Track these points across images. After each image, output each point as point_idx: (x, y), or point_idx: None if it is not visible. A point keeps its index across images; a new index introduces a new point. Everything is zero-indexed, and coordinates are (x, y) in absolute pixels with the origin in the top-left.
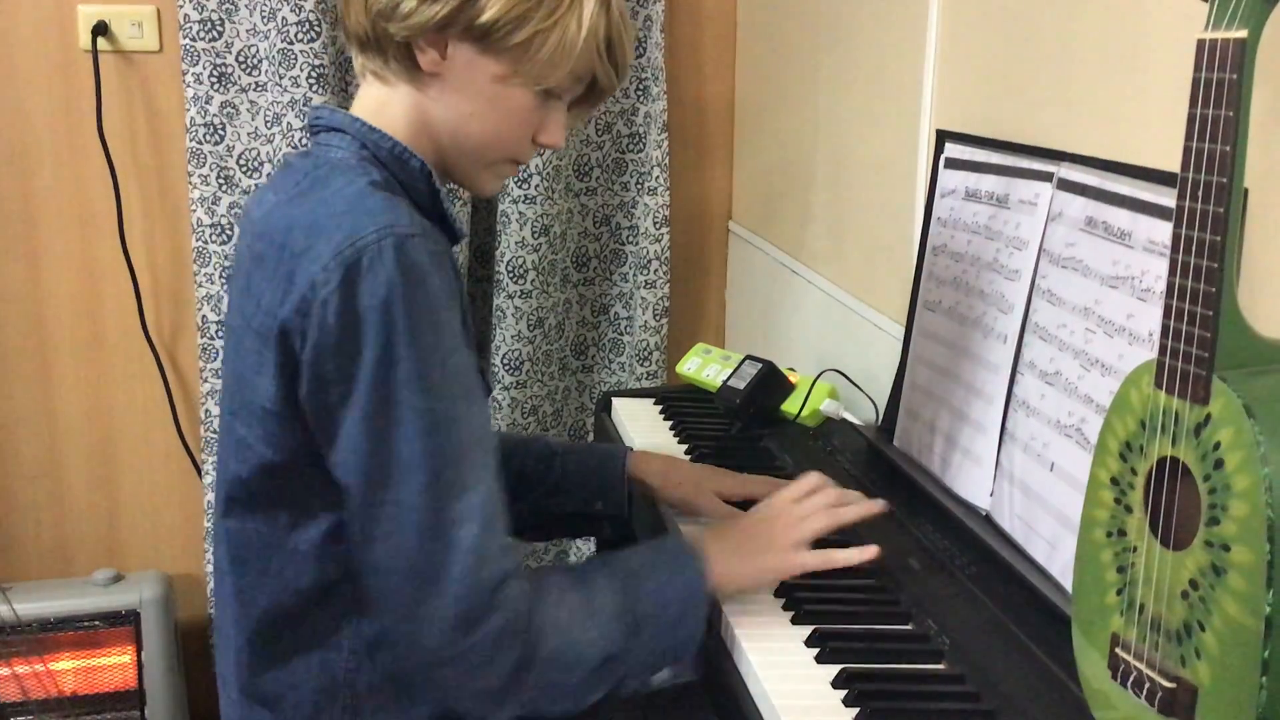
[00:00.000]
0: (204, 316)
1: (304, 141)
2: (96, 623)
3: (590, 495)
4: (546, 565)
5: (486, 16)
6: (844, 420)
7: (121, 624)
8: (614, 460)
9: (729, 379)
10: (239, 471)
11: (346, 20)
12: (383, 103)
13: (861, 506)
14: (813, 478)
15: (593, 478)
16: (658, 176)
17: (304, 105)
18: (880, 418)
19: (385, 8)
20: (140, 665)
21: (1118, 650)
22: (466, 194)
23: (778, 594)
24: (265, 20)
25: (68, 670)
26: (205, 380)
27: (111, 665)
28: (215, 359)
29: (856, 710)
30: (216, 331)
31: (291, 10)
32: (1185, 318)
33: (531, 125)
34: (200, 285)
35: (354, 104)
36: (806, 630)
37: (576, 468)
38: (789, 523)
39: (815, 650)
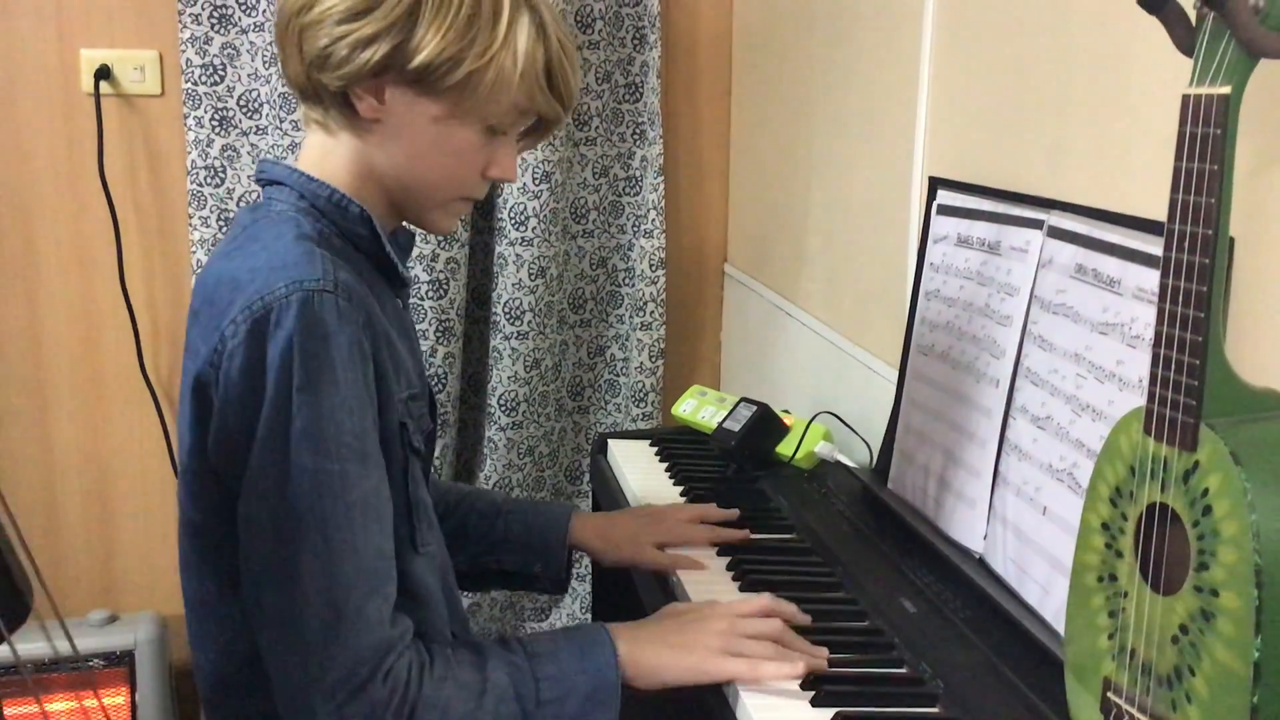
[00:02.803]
0: None
1: None
2: (91, 663)
3: (530, 557)
4: (443, 637)
5: (419, 60)
6: (838, 462)
7: (116, 665)
8: (557, 525)
9: (724, 421)
10: (180, 530)
11: (286, 71)
12: (325, 151)
13: (808, 660)
14: (765, 599)
15: (535, 540)
16: (654, 219)
17: None
18: (874, 460)
19: (317, 58)
20: (134, 706)
21: (1110, 694)
22: (465, 236)
23: None
24: (266, 65)
25: (62, 711)
26: None
27: (106, 706)
28: None
29: None
30: None
31: None
32: (1173, 366)
33: (479, 162)
34: None
35: (300, 153)
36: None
37: (520, 528)
38: (729, 629)
39: (810, 693)
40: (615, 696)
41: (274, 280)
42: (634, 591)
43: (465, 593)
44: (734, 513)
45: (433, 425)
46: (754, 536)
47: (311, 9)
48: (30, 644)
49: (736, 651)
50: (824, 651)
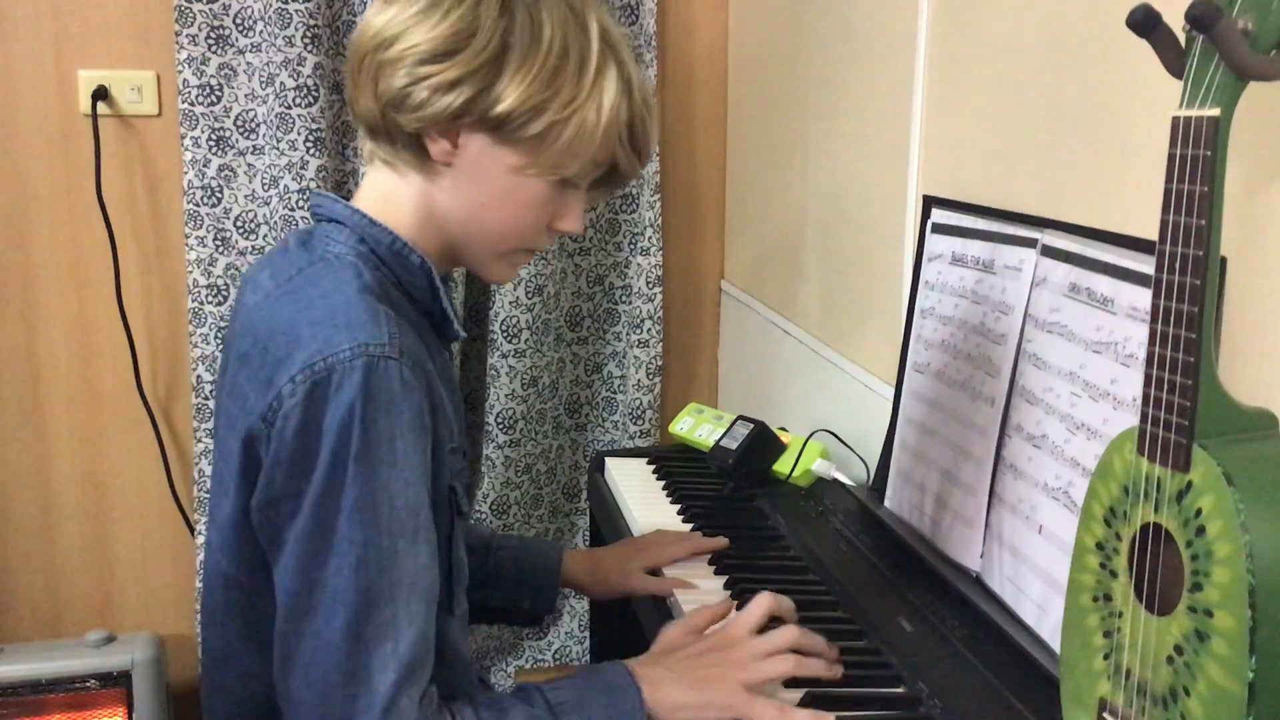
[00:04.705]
0: (199, 377)
1: (300, 204)
2: (88, 684)
3: (520, 594)
4: (464, 696)
5: (502, 107)
6: (835, 480)
7: (113, 685)
8: (549, 562)
9: (721, 439)
10: (206, 579)
11: (355, 105)
12: (389, 191)
13: (825, 665)
14: (766, 600)
15: (526, 577)
16: (650, 237)
17: (300, 168)
18: (871, 478)
19: (395, 98)
20: None
21: (1106, 715)
22: None
23: None
24: (264, 85)
25: None
26: (199, 440)
27: None
28: (209, 419)
29: None
30: (210, 391)
31: (290, 76)
32: (1165, 386)
33: (547, 214)
34: (195, 346)
35: (360, 189)
36: (798, 694)
37: (510, 564)
38: (747, 657)
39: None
40: None
41: (338, 340)
42: (630, 610)
43: None
44: (721, 541)
45: (471, 478)
46: (752, 556)
47: (391, 46)
48: (27, 665)
49: (759, 678)
50: (835, 651)
